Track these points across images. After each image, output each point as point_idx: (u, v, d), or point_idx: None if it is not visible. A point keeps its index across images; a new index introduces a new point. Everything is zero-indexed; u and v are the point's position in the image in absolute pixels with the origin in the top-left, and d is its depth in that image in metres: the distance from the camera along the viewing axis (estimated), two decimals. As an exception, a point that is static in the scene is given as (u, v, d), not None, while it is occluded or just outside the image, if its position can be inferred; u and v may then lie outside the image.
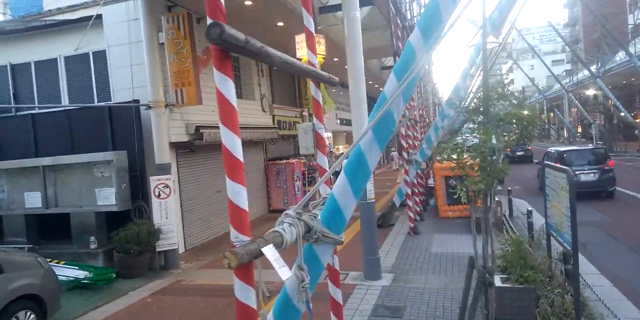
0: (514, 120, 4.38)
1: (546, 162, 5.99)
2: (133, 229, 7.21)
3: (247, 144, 11.38)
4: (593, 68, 31.91)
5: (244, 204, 2.10)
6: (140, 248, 7.14)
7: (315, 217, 2.71)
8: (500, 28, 13.20)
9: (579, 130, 45.24)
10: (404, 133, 10.02)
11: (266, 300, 2.18)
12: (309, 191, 2.92)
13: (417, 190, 10.88)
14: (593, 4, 51.49)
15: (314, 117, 3.51)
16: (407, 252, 7.97)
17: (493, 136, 4.19)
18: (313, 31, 3.50)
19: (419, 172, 11.18)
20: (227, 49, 2.13)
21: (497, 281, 5.05)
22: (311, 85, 3.52)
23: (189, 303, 6.08)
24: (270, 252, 2.00)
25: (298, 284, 2.37)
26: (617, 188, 12.63)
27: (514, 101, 4.59)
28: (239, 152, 2.10)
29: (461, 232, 9.12)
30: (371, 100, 5.55)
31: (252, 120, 11.70)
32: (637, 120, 34.93)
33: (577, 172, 11.49)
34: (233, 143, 2.10)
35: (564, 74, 51.30)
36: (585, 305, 4.92)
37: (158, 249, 7.42)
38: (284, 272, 2.00)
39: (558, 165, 5.42)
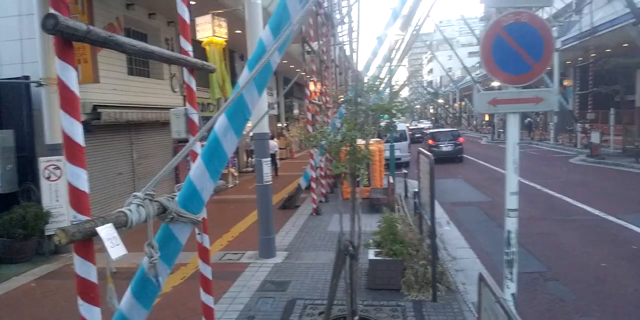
0: (384, 111, 4.85)
1: (420, 149, 6.66)
2: (18, 212, 6.87)
3: (154, 125, 11.10)
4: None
5: (84, 186, 2.23)
6: (27, 232, 6.84)
7: (172, 199, 2.90)
8: (409, 20, 13.96)
9: (486, 118, 49.01)
10: (310, 118, 10.39)
11: (112, 276, 2.36)
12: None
13: (323, 174, 11.38)
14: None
15: (187, 103, 3.64)
16: (305, 231, 8.42)
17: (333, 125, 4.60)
18: (187, 19, 3.59)
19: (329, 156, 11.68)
20: (69, 38, 2.22)
21: (371, 254, 5.61)
22: (184, 72, 3.63)
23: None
24: (105, 231, 2.17)
25: (147, 260, 2.58)
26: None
27: (380, 95, 5.07)
28: (78, 137, 2.21)
29: (360, 211, 9.75)
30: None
31: (159, 100, 11.38)
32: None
33: (441, 145, 19.86)
34: (73, 128, 2.20)
35: (478, 65, 54.99)
36: (444, 274, 5.64)
37: (47, 233, 7.14)
38: (116, 251, 2.18)
39: (425, 151, 6.05)
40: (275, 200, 10.72)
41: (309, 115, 10.06)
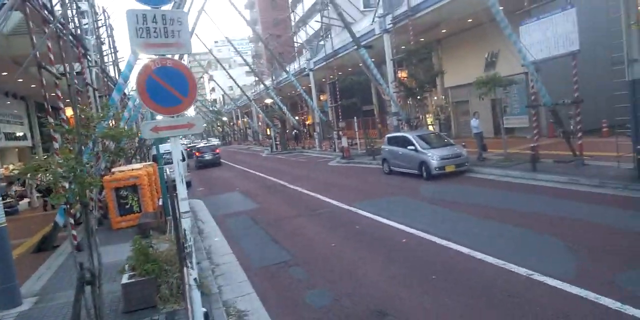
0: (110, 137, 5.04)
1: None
2: None
3: None
4: (268, 82, 37.82)
5: None
6: None
7: None
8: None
9: (268, 132, 52.85)
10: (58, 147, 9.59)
11: None
12: None
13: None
14: (269, 23, 60.87)
15: None
16: (64, 270, 7.78)
17: (86, 153, 4.71)
18: None
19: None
20: None
21: (125, 279, 5.68)
22: None
23: None
24: None
25: None
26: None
27: (106, 121, 5.28)
28: None
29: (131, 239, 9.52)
30: None
31: None
32: (308, 122, 43.54)
33: (204, 155, 27.57)
34: None
35: (254, 83, 58.66)
36: (201, 282, 6.12)
37: None
38: None
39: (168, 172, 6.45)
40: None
41: (56, 145, 9.29)
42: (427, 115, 23.62)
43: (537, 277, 5.26)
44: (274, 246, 8.16)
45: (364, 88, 29.19)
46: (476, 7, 14.79)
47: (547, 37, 11.94)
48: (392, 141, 15.02)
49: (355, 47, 19.33)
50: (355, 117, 23.66)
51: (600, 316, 4.20)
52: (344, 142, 21.28)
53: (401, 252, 6.89)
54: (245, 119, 55.28)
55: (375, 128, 30.83)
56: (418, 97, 17.86)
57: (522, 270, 5.49)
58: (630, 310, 4.22)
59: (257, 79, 40.07)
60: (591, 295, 4.61)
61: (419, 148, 13.33)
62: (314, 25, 35.09)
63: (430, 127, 22.99)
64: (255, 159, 30.65)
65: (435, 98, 25.20)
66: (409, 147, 13.70)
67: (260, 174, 20.26)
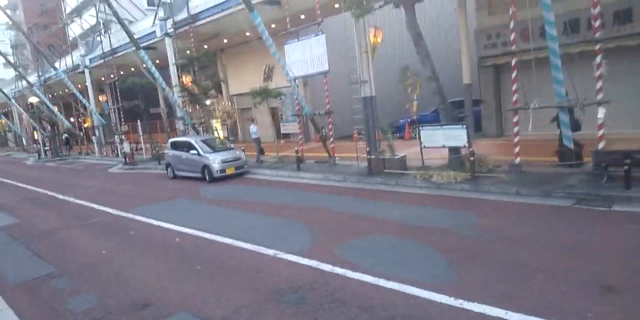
0: None
1: None
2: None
3: None
4: (34, 77, 32.60)
5: None
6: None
7: None
8: None
9: (36, 136, 45.32)
10: None
11: None
12: None
13: None
14: (34, 10, 52.01)
15: None
16: None
17: None
18: None
19: None
20: None
21: None
22: None
23: None
24: None
25: None
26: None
27: None
28: None
29: None
30: None
31: None
32: (87, 125, 39.00)
33: None
34: None
35: (15, 78, 49.33)
36: None
37: None
38: None
39: None
40: None
41: None
42: (215, 121, 24.43)
43: (281, 255, 6.54)
44: (36, 261, 7.62)
45: (149, 90, 28.16)
46: (250, 23, 16.28)
47: (305, 57, 14.13)
48: (176, 146, 15.27)
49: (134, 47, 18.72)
50: (139, 121, 22.76)
51: (325, 279, 5.56)
52: (127, 147, 20.32)
53: (173, 250, 7.42)
54: (3, 120, 46.13)
55: (163, 132, 30.04)
56: (202, 103, 18.47)
57: (271, 252, 6.71)
58: (338, 270, 5.76)
59: (17, 73, 34.03)
60: (314, 264, 6.05)
61: (201, 152, 13.98)
62: (91, 19, 31.98)
63: (219, 132, 23.86)
64: (17, 168, 26.23)
65: (223, 104, 26.24)
66: (191, 152, 14.21)
67: (22, 185, 17.66)
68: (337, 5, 14.83)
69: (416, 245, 6.45)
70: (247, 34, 20.50)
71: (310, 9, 14.65)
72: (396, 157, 11.83)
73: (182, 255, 7.12)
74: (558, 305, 4.27)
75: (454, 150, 10.70)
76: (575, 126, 9.52)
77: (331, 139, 14.33)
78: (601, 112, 8.74)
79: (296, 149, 14.13)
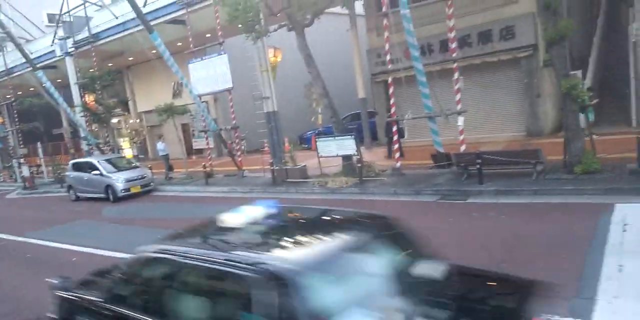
0: None
1: None
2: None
3: None
4: None
5: None
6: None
7: None
8: None
9: None
10: None
11: None
12: None
13: None
14: None
15: None
16: None
17: None
18: None
19: None
20: None
21: None
22: None
23: None
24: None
25: None
26: None
27: None
28: None
29: None
30: None
31: None
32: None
33: None
34: None
35: None
36: None
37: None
38: None
39: None
40: None
41: None
42: (123, 139, 23.86)
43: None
44: None
45: (50, 110, 26.75)
46: (152, 42, 16.46)
47: (210, 74, 14.63)
48: (77, 167, 14.91)
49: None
50: (39, 142, 21.62)
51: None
52: (26, 170, 19.24)
53: (67, 268, 7.51)
54: None
55: (67, 153, 28.55)
56: (107, 122, 18.14)
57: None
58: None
59: None
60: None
61: (104, 172, 13.82)
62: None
63: (128, 151, 23.32)
64: None
65: (131, 121, 25.68)
66: (94, 172, 13.98)
67: None
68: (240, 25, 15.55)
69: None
70: (153, 51, 20.53)
71: (213, 28, 15.22)
72: (297, 167, 12.68)
73: (75, 271, 7.25)
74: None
75: (347, 158, 11.76)
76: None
77: (239, 153, 14.87)
78: (461, 120, 10.28)
79: (204, 164, 14.47)
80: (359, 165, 10.88)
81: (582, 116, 9.08)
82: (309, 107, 16.63)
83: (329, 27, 21.52)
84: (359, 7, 16.64)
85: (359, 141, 12.25)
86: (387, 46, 11.39)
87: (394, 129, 11.55)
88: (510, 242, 6.02)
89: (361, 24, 17.22)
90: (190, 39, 14.94)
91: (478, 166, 9.14)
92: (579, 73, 13.48)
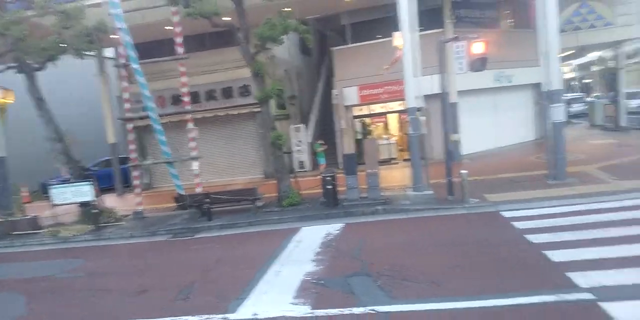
0: None
1: None
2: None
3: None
4: None
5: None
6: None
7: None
8: None
9: None
10: None
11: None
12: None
13: None
14: None
15: None
16: None
17: None
18: None
19: None
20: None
21: None
22: None
23: None
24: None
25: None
26: None
27: None
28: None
29: None
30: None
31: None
32: None
33: None
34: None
35: None
36: None
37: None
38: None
39: None
40: None
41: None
42: None
43: None
44: None
45: None
46: None
47: None
48: None
49: None
50: None
51: None
52: None
53: None
54: None
55: None
56: None
57: None
58: None
59: None
60: None
61: None
62: None
63: None
64: None
65: None
66: None
67: None
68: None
69: (7, 294, 6.91)
70: None
71: None
72: (26, 217, 11.64)
73: None
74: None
75: (85, 205, 11.47)
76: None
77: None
78: (195, 165, 11.47)
79: None
80: (95, 211, 10.80)
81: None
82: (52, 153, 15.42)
83: (83, 70, 20.71)
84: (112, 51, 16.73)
85: (101, 187, 12.12)
86: (125, 95, 11.96)
87: (135, 174, 11.93)
88: (208, 265, 7.23)
89: (112, 71, 17.30)
90: None
91: (207, 205, 10.35)
92: (302, 126, 16.73)
